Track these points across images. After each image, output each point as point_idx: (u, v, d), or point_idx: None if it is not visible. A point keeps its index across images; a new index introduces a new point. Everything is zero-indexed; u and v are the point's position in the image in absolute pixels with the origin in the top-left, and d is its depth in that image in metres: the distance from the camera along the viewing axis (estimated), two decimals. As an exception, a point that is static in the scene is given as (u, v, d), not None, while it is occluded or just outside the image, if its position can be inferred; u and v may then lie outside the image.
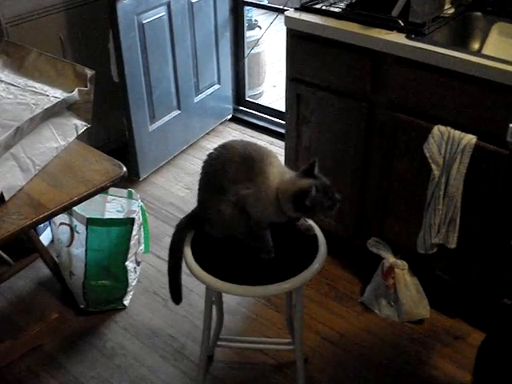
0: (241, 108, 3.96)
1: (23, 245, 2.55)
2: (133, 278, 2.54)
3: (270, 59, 4.47)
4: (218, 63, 3.65)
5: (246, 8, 3.76)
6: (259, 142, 2.20)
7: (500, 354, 1.72)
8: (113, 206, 2.59)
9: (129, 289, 2.53)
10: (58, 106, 1.97)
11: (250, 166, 1.67)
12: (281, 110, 3.70)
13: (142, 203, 2.56)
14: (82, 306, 2.50)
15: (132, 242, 2.43)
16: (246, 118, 3.91)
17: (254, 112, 3.91)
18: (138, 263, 2.59)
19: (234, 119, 3.92)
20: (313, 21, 2.32)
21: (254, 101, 4.05)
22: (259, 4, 3.95)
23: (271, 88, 4.47)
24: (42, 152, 1.87)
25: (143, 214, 2.58)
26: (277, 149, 3.06)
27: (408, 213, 2.34)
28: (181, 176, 3.37)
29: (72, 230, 2.41)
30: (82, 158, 1.95)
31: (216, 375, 2.24)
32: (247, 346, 2.31)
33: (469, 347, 2.30)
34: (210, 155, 1.75)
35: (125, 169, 1.89)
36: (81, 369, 2.27)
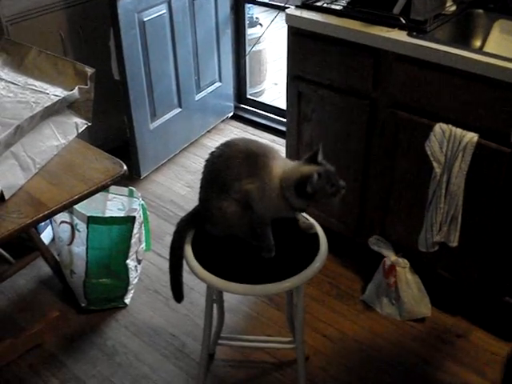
0: (242, 106, 3.95)
1: (24, 243, 2.55)
2: (134, 277, 2.54)
3: (271, 57, 4.46)
4: (219, 61, 3.64)
5: (247, 5, 3.76)
6: (260, 140, 2.20)
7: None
8: (114, 204, 2.58)
9: (130, 287, 2.53)
10: (59, 104, 1.96)
11: (253, 161, 1.66)
12: (282, 107, 3.69)
13: (142, 201, 2.56)
14: (82, 305, 2.49)
15: (133, 241, 2.43)
16: (247, 115, 3.90)
17: (255, 110, 3.91)
18: (138, 261, 2.59)
19: (235, 117, 3.91)
20: (314, 18, 2.31)
21: (255, 99, 4.04)
22: (260, 1, 3.94)
23: (272, 86, 4.46)
24: (42, 150, 1.87)
25: (144, 213, 2.57)
26: (278, 147, 3.04)
27: (409, 211, 2.34)
28: (182, 174, 3.37)
29: (73, 228, 2.41)
30: (83, 157, 1.95)
31: (217, 373, 2.24)
32: (248, 345, 2.30)
33: (470, 345, 2.31)
34: (212, 154, 1.75)
35: (125, 167, 1.89)
36: (82, 367, 2.27)
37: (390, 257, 2.36)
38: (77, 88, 2.01)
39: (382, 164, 2.34)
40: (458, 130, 2.01)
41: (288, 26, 2.42)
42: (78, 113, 2.05)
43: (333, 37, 2.27)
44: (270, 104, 3.96)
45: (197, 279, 1.74)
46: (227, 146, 1.73)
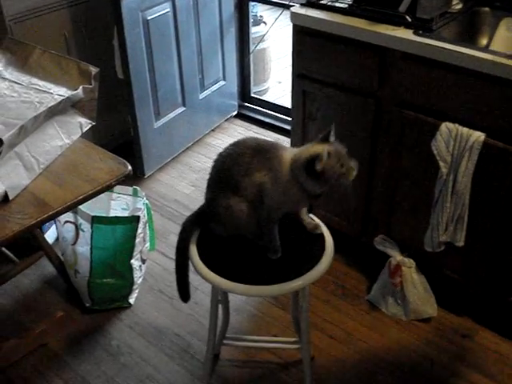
0: (246, 104, 3.94)
1: (28, 243, 2.54)
2: (138, 276, 2.53)
3: (275, 55, 4.45)
4: (223, 59, 3.63)
5: (251, 3, 3.74)
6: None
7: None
8: (118, 203, 2.58)
9: (134, 287, 2.52)
10: (63, 104, 1.95)
11: (263, 154, 1.66)
12: (286, 106, 3.68)
13: (147, 201, 2.55)
14: (87, 305, 2.49)
15: (137, 240, 2.42)
16: (251, 114, 3.89)
17: (259, 108, 3.90)
18: (143, 261, 2.58)
19: (240, 116, 3.90)
20: (319, 17, 2.30)
21: (260, 97, 4.03)
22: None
23: (276, 84, 4.45)
24: (46, 150, 1.86)
25: (148, 212, 2.57)
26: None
27: (415, 210, 2.32)
28: (186, 173, 3.36)
29: (77, 228, 2.40)
30: (87, 157, 1.94)
31: (222, 374, 2.23)
32: (253, 345, 2.30)
33: (476, 345, 2.30)
34: (220, 154, 1.74)
35: (130, 167, 1.88)
36: (86, 367, 2.26)
37: (396, 256, 2.35)
38: (81, 87, 2.01)
39: (387, 163, 2.33)
40: (465, 130, 2.00)
41: (293, 25, 2.40)
42: (82, 112, 2.04)
43: (338, 35, 2.25)
44: (275, 102, 3.94)
45: (201, 279, 1.73)
46: (235, 145, 1.72)
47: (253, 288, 1.67)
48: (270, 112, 3.84)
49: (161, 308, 2.51)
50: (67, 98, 1.97)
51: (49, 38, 2.83)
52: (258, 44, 3.84)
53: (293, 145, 2.64)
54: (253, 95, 3.97)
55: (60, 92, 2.01)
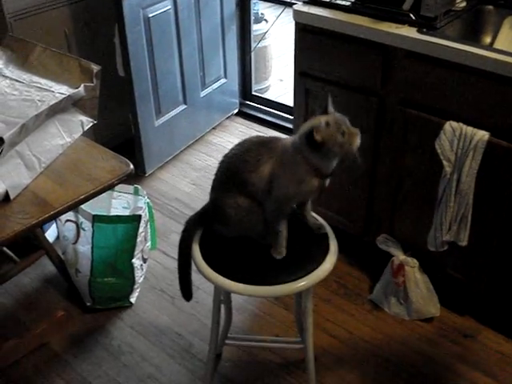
0: (247, 102, 3.93)
1: (29, 242, 2.53)
2: (139, 276, 2.52)
3: (276, 53, 4.43)
4: (224, 57, 3.62)
5: (253, 1, 3.73)
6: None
7: None
8: (119, 202, 2.57)
9: (135, 286, 2.51)
10: (64, 102, 1.94)
11: (268, 146, 1.66)
12: (288, 104, 3.67)
13: (148, 200, 2.54)
14: (88, 304, 2.48)
15: (138, 239, 2.41)
16: (252, 112, 3.88)
17: (260, 106, 3.88)
18: (144, 260, 2.57)
19: (241, 114, 3.89)
20: (322, 14, 2.28)
21: (261, 95, 4.02)
22: (266, -3, 3.92)
23: (278, 82, 4.44)
24: (47, 149, 1.85)
25: (150, 211, 2.55)
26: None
27: (418, 210, 2.31)
28: (187, 171, 3.34)
29: (78, 227, 2.39)
30: (88, 156, 1.93)
31: (224, 374, 2.22)
32: (255, 345, 2.29)
33: (479, 345, 2.29)
34: (226, 155, 1.74)
35: (132, 166, 1.86)
36: (87, 367, 2.25)
37: (399, 256, 2.34)
38: (82, 86, 1.99)
39: (390, 162, 2.32)
40: (469, 129, 1.98)
41: (295, 23, 2.39)
42: (83, 111, 2.03)
43: (341, 33, 2.24)
44: (276, 100, 3.93)
45: (203, 278, 1.72)
46: (240, 144, 1.72)
47: (256, 288, 1.66)
48: (271, 110, 3.82)
49: (162, 307, 2.50)
50: (68, 96, 1.95)
51: (49, 36, 2.82)
52: (260, 42, 3.83)
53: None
54: (254, 93, 3.96)
55: (61, 90, 1.99)
